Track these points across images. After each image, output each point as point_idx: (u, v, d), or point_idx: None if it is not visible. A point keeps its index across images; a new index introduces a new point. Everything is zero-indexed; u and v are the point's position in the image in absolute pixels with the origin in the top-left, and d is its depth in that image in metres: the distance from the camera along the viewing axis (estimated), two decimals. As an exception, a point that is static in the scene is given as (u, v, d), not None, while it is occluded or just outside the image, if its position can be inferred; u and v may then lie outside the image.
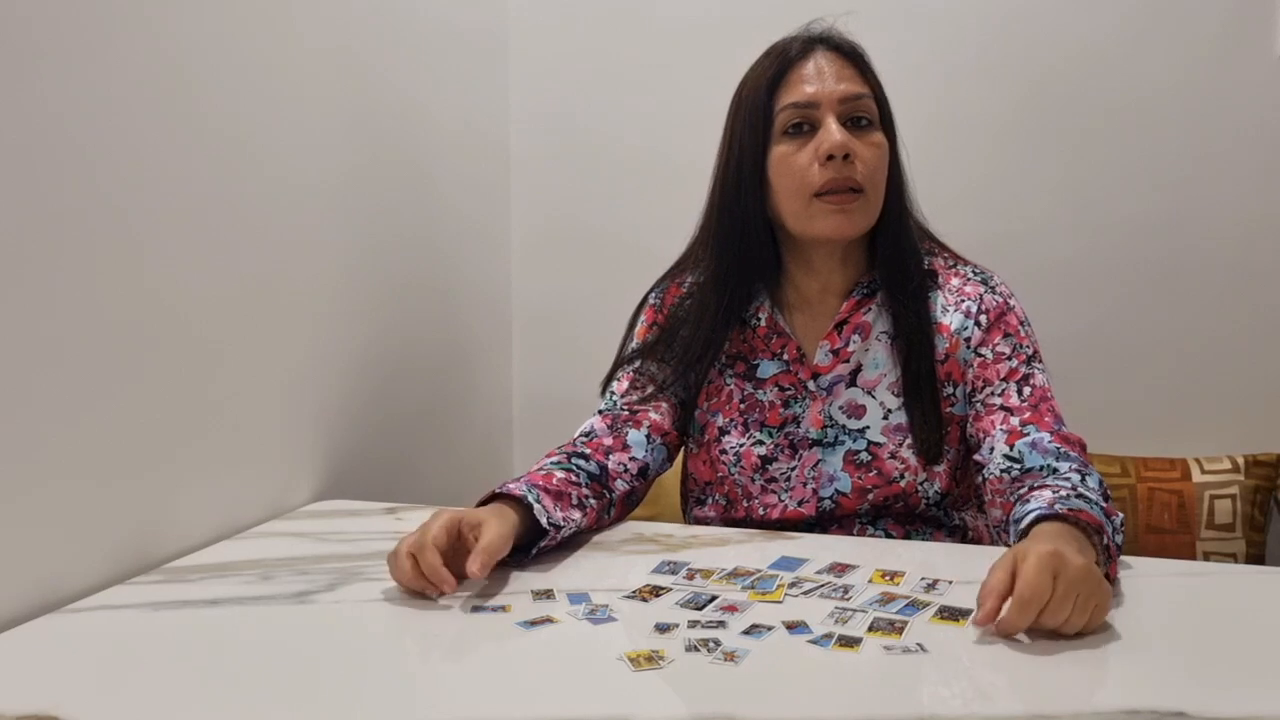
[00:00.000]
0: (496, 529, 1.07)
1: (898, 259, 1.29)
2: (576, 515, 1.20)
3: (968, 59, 1.87)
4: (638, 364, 1.37)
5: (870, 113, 1.26)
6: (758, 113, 1.26)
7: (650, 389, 1.35)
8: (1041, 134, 1.87)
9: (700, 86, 1.98)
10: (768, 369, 1.33)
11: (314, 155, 1.47)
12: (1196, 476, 1.78)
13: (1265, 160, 1.79)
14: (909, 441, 1.27)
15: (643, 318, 1.40)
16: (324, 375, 1.52)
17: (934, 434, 1.26)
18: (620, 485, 1.29)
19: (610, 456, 1.31)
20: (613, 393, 1.37)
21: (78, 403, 1.10)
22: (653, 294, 1.41)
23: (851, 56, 1.28)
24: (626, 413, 1.34)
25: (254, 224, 1.36)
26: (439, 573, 1.02)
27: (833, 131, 1.23)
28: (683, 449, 1.41)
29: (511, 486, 1.15)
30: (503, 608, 1.02)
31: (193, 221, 1.25)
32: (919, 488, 1.27)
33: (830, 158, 1.22)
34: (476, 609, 1.02)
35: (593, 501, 1.24)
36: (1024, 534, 1.04)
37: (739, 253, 1.30)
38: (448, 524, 1.06)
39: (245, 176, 1.34)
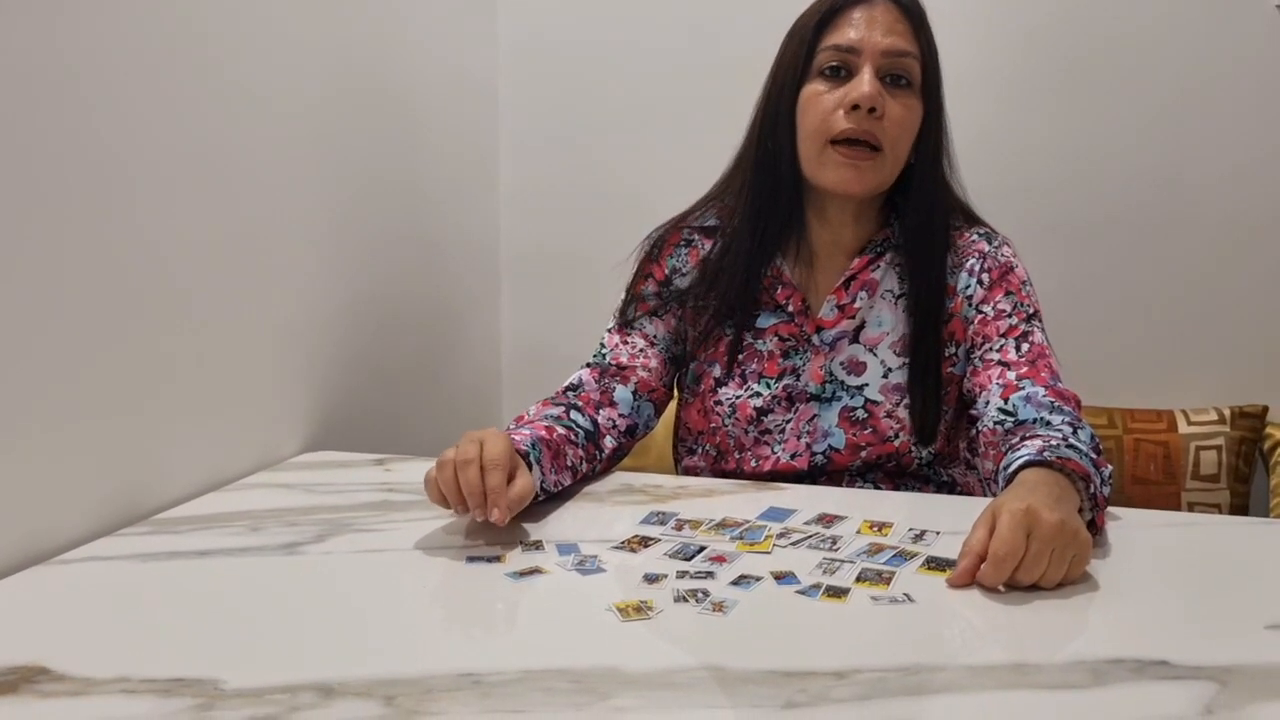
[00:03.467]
0: (527, 482, 1.08)
1: (920, 225, 1.28)
2: (567, 480, 1.21)
3: (960, 11, 1.84)
4: (630, 316, 1.35)
5: (911, 73, 1.23)
6: (802, 47, 1.24)
7: (640, 344, 1.35)
8: (1034, 87, 1.85)
9: (696, 32, 1.96)
10: (766, 319, 1.32)
11: (299, 106, 1.45)
12: (1183, 428, 1.79)
13: (1259, 113, 1.78)
14: (906, 401, 1.27)
15: (637, 265, 1.38)
16: (312, 326, 1.51)
17: (932, 419, 1.26)
18: (609, 442, 1.29)
19: (600, 412, 1.30)
20: (602, 345, 1.36)
21: (65, 356, 1.10)
22: (649, 242, 1.38)
23: (909, 12, 1.24)
24: (615, 367, 1.34)
25: (239, 176, 1.34)
26: (501, 493, 1.03)
27: (865, 82, 1.20)
28: (676, 399, 1.41)
29: (517, 439, 1.14)
30: (497, 558, 1.03)
31: (176, 174, 1.23)
32: (912, 448, 1.27)
33: (855, 108, 1.20)
34: (471, 559, 1.03)
35: (584, 466, 1.24)
36: (1010, 479, 1.04)
37: (772, 192, 1.28)
38: (510, 452, 1.06)
39: (231, 128, 1.32)
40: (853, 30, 1.22)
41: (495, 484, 1.03)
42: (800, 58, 1.24)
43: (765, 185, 1.28)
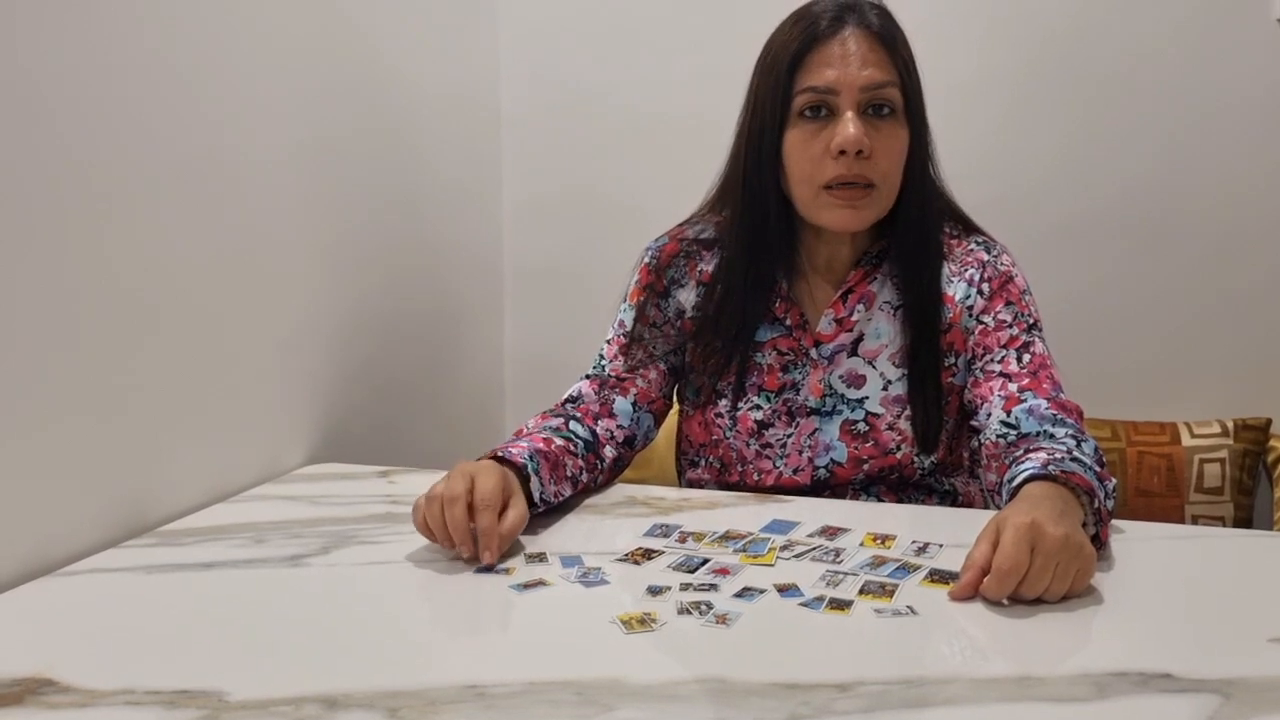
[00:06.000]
0: (520, 514, 1.07)
1: (912, 238, 1.27)
2: (567, 490, 1.21)
3: (965, 22, 1.85)
4: (629, 328, 1.36)
5: (893, 101, 1.21)
6: (778, 89, 1.22)
7: (639, 355, 1.35)
8: (1038, 97, 1.86)
9: (695, 44, 1.96)
10: (764, 333, 1.32)
11: (303, 119, 1.46)
12: (1186, 440, 1.79)
13: (1261, 124, 1.79)
14: (907, 413, 1.27)
15: (636, 277, 1.38)
16: (316, 338, 1.52)
17: (934, 428, 1.26)
18: (609, 452, 1.29)
19: (599, 423, 1.31)
20: (601, 356, 1.36)
21: (70, 368, 1.10)
22: (648, 255, 1.38)
23: (883, 36, 1.21)
24: (614, 379, 1.34)
25: (244, 190, 1.35)
26: (492, 535, 1.02)
27: (848, 126, 1.18)
28: (678, 411, 1.41)
29: (514, 452, 1.14)
30: (506, 570, 1.03)
31: (181, 187, 1.24)
32: (915, 459, 1.27)
33: (842, 153, 1.19)
34: (481, 569, 1.03)
35: (584, 476, 1.24)
36: (1014, 493, 1.04)
37: (762, 229, 1.27)
38: (501, 487, 1.06)
39: (237, 142, 1.32)
40: (829, 69, 1.20)
41: (485, 525, 1.03)
42: (777, 100, 1.22)
43: (756, 222, 1.27)
